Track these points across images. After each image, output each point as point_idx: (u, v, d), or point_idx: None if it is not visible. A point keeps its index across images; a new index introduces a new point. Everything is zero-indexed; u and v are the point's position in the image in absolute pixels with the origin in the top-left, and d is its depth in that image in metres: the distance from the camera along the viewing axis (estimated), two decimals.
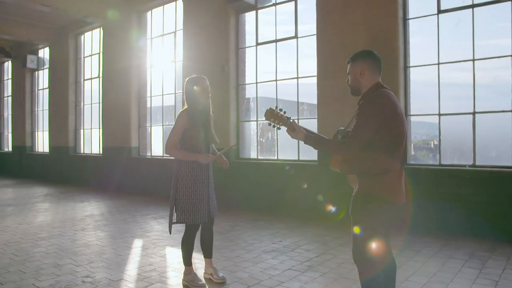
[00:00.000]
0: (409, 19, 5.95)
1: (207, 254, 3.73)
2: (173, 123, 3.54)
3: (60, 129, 12.44)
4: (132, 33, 9.85)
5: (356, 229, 2.39)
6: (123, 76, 10.03)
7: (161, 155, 9.58)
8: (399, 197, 2.38)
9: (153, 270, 4.00)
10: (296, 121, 3.08)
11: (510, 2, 5.15)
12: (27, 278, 3.75)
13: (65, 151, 12.24)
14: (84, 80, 12.19)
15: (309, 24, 7.01)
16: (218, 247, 4.72)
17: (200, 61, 8.13)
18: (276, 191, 7.00)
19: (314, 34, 6.67)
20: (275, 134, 7.54)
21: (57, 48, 12.62)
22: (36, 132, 14.50)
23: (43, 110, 14.06)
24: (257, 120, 7.88)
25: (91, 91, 11.90)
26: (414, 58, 5.96)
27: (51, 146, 13.01)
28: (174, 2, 9.23)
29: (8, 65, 16.11)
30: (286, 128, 2.55)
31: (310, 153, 6.85)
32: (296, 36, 7.13)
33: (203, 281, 3.61)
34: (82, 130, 12.21)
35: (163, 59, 9.78)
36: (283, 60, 7.55)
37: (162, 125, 9.72)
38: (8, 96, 16.15)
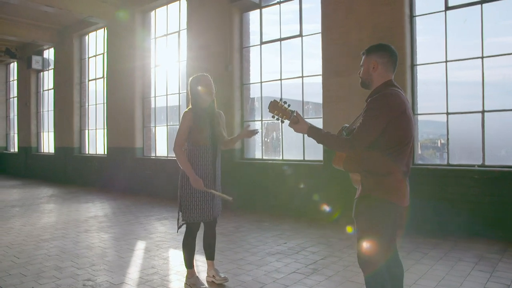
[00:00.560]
0: (416, 16, 5.83)
1: (210, 256, 3.67)
2: (178, 123, 3.49)
3: (65, 130, 12.46)
4: (136, 33, 9.82)
5: (360, 232, 2.31)
6: (128, 76, 10.01)
7: (166, 155, 9.54)
8: (403, 200, 2.29)
9: (155, 273, 3.93)
10: None
11: None
12: (28, 282, 3.70)
13: (70, 152, 12.26)
14: (88, 80, 12.19)
15: (314, 23, 6.93)
16: (221, 249, 4.65)
17: (204, 60, 8.08)
18: (281, 192, 6.92)
19: (319, 33, 6.57)
20: (280, 134, 7.46)
21: (61, 49, 12.64)
22: (42, 133, 14.56)
23: (48, 110, 14.11)
24: (261, 120, 7.80)
25: (96, 91, 11.92)
26: (421, 56, 5.85)
27: (56, 147, 13.04)
28: (178, 2, 9.17)
29: (13, 66, 16.20)
30: (289, 122, 2.44)
31: (315, 154, 6.76)
32: (301, 35, 7.04)
33: (206, 284, 3.55)
34: (86, 131, 12.22)
35: (167, 59, 9.74)
36: (288, 59, 7.47)
37: (167, 125, 9.67)
38: (14, 97, 16.25)
